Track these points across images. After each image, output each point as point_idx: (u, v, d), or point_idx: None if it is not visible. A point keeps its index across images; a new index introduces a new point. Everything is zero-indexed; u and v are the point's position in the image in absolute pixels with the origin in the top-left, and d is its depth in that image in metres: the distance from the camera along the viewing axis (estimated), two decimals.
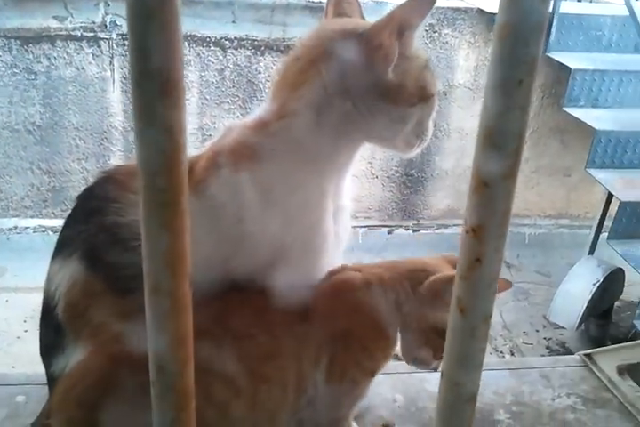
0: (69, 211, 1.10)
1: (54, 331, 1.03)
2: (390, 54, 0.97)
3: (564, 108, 3.00)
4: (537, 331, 3.05)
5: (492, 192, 0.37)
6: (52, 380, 1.05)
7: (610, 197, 2.85)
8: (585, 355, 1.52)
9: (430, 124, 1.09)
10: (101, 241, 1.01)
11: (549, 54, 3.11)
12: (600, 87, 2.96)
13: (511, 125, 0.36)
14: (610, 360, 1.45)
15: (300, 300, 1.09)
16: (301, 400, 1.06)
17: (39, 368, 1.15)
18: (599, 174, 2.79)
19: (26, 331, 2.76)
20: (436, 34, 3.13)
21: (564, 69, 3.03)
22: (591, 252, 2.98)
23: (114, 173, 1.09)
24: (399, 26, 0.96)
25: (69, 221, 1.08)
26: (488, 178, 0.37)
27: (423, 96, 1.04)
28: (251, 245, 1.01)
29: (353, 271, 1.12)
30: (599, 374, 1.45)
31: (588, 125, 2.81)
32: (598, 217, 2.96)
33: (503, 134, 0.36)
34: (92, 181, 1.12)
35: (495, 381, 1.40)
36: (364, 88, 1.00)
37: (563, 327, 2.95)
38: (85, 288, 1.01)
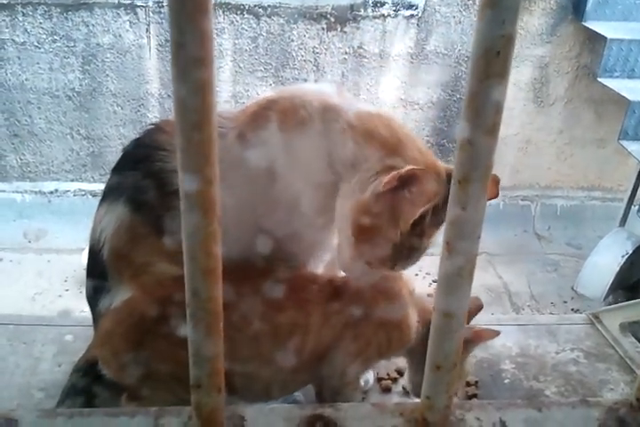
0: (115, 162, 1.16)
1: (100, 273, 1.12)
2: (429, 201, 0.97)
3: (599, 79, 2.97)
4: (565, 302, 3.06)
5: (475, 149, 0.42)
6: (97, 319, 1.14)
7: None
8: (591, 314, 1.58)
9: None
10: (147, 185, 1.08)
11: (585, 23, 3.07)
12: (637, 57, 2.92)
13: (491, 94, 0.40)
14: (614, 318, 1.49)
15: (312, 255, 1.16)
16: (315, 365, 1.13)
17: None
18: (632, 146, 2.77)
19: (67, 290, 2.88)
20: (471, 1, 3.10)
21: (599, 39, 2.99)
22: (622, 224, 2.98)
23: (162, 124, 1.15)
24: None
25: (116, 170, 1.15)
26: (472, 138, 0.42)
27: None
28: (275, 196, 1.07)
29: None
30: (603, 332, 1.50)
31: (623, 96, 2.78)
32: (630, 189, 2.95)
33: (483, 102, 0.41)
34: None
35: (504, 335, 1.46)
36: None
37: (591, 299, 2.96)
38: (130, 231, 1.08)
